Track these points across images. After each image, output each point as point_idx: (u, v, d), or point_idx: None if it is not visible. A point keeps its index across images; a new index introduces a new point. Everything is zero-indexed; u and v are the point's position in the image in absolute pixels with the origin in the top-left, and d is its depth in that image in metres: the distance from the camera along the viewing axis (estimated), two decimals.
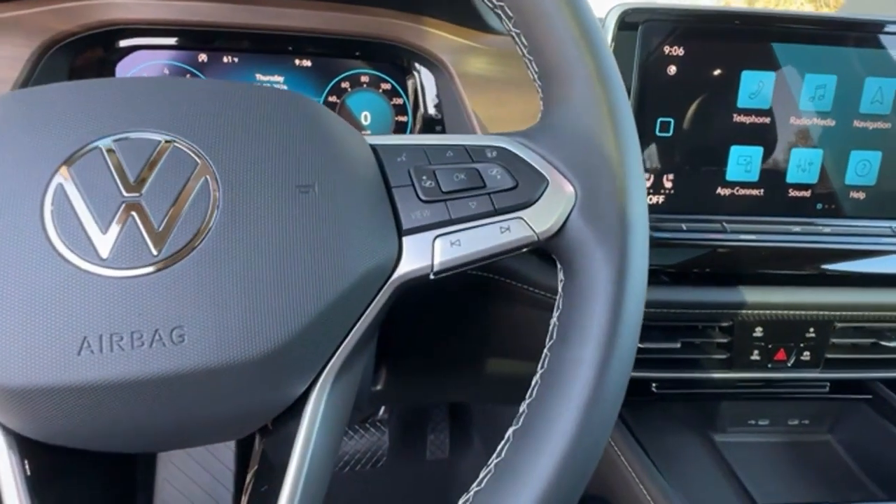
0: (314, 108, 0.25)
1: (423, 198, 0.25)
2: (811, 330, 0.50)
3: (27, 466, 0.21)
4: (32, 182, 0.20)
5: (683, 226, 0.47)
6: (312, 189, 0.23)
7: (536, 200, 0.25)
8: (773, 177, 0.48)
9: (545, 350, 0.25)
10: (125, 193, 0.21)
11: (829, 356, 0.51)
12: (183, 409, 0.21)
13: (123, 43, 0.50)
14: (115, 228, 0.20)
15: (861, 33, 0.46)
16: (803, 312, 0.49)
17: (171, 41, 0.51)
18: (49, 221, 0.20)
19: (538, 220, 0.25)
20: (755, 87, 0.47)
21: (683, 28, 0.45)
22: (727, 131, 0.47)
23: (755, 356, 0.51)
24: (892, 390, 0.57)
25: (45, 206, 0.20)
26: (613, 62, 0.26)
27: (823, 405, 0.58)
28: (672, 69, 0.46)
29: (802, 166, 0.48)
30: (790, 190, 0.49)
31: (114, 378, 0.19)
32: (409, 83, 0.56)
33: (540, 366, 0.25)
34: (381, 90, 0.56)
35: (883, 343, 0.52)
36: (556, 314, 0.26)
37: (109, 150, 0.21)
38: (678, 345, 0.50)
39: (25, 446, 0.21)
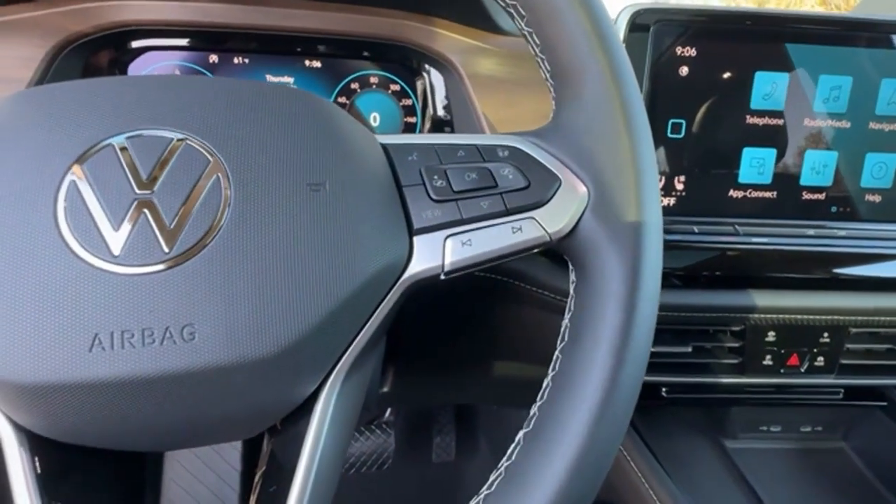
0: (326, 106, 0.25)
1: (434, 197, 0.25)
2: (825, 335, 0.49)
3: (37, 463, 0.21)
4: (46, 179, 0.20)
5: (695, 228, 0.47)
6: (323, 187, 0.22)
7: (549, 200, 0.25)
8: (786, 179, 0.48)
9: (556, 352, 0.25)
10: (137, 191, 0.21)
11: (844, 362, 0.50)
12: (193, 408, 0.21)
13: (136, 44, 0.51)
14: (127, 226, 0.20)
15: (877, 34, 0.46)
16: (817, 317, 0.49)
17: (183, 42, 0.52)
18: (62, 218, 0.20)
19: (550, 221, 0.25)
20: (768, 89, 0.46)
21: (696, 29, 0.45)
22: (740, 133, 0.47)
23: (767, 361, 0.50)
24: None
25: (58, 203, 0.20)
26: (627, 60, 0.25)
27: (837, 412, 0.57)
28: (684, 70, 0.45)
29: (817, 169, 0.48)
30: (804, 193, 0.48)
31: (124, 375, 0.19)
32: (419, 84, 0.56)
33: (551, 368, 0.25)
34: (390, 91, 0.56)
35: None
36: (567, 316, 0.25)
37: (122, 148, 0.21)
38: (689, 349, 0.49)
39: (36, 443, 0.21)
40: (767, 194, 0.48)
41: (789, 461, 0.56)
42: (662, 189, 0.47)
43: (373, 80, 0.55)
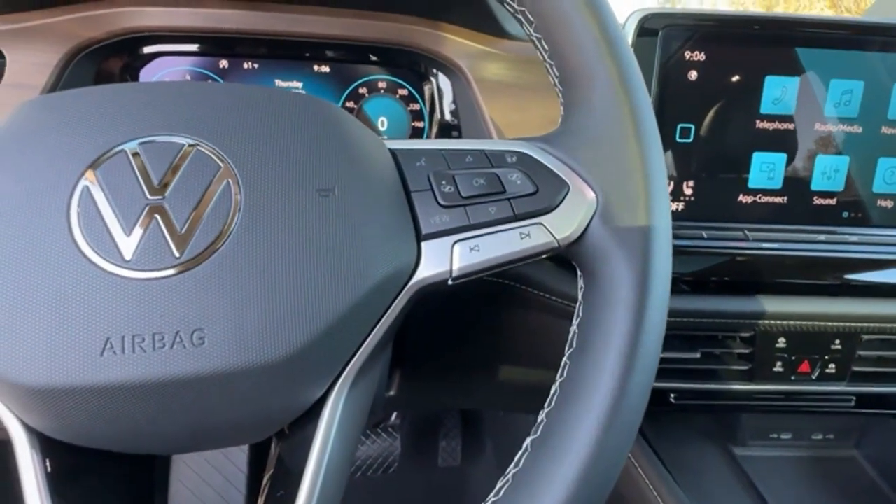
0: (334, 111, 0.25)
1: (442, 202, 0.25)
2: (837, 342, 0.49)
3: (48, 465, 0.21)
4: (60, 184, 0.21)
5: (704, 234, 0.46)
6: (332, 192, 0.23)
7: (557, 206, 0.25)
8: (797, 184, 0.47)
9: (564, 358, 0.25)
10: (149, 196, 0.21)
11: (856, 369, 0.50)
12: (202, 412, 0.21)
13: (147, 49, 0.51)
14: (138, 231, 0.20)
15: (889, 38, 0.45)
16: (829, 324, 0.48)
17: (193, 48, 0.52)
18: (75, 223, 0.20)
19: (559, 226, 0.25)
20: (779, 93, 0.46)
21: (704, 33, 0.45)
22: (749, 138, 0.47)
23: (778, 368, 0.50)
24: None
25: (71, 208, 0.20)
26: (636, 65, 0.25)
27: (849, 419, 0.56)
28: (693, 74, 0.45)
29: (828, 174, 0.47)
30: (815, 198, 0.47)
31: (135, 380, 0.19)
32: (426, 89, 0.56)
33: (559, 375, 0.25)
34: (398, 96, 0.56)
35: None
36: (575, 322, 0.25)
37: (134, 154, 0.21)
38: (698, 355, 0.49)
39: (47, 445, 0.21)
40: (778, 199, 0.47)
41: (800, 469, 0.55)
42: (671, 194, 0.47)
43: (381, 84, 0.55)
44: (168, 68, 0.53)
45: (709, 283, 0.47)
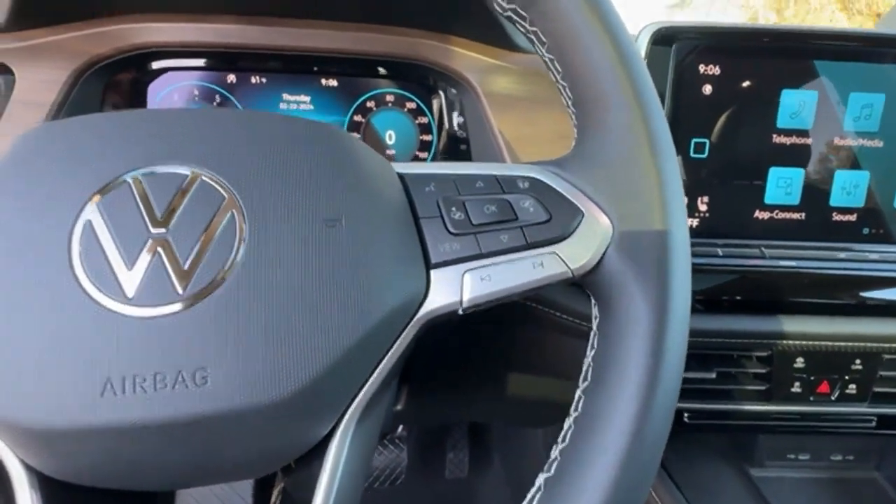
0: (341, 136, 0.25)
1: (452, 230, 0.24)
2: (857, 362, 0.47)
3: None
4: (61, 217, 0.20)
5: (719, 251, 0.45)
6: (339, 223, 0.22)
7: (571, 234, 0.24)
8: (815, 200, 0.46)
9: (578, 391, 0.24)
10: (152, 229, 0.20)
11: (877, 390, 0.48)
12: (204, 450, 0.20)
13: (155, 65, 0.51)
14: (141, 265, 0.20)
15: None
16: (849, 343, 0.47)
17: (201, 62, 0.52)
18: (76, 257, 0.20)
19: (573, 256, 0.24)
20: (796, 107, 0.45)
21: (718, 46, 0.44)
22: (765, 152, 0.45)
23: (796, 388, 0.48)
24: None
25: (72, 242, 0.20)
26: (653, 89, 0.25)
27: (869, 440, 0.55)
28: (707, 88, 0.44)
29: (847, 189, 0.46)
30: (834, 214, 0.46)
31: (136, 420, 0.19)
32: (435, 102, 0.55)
33: (573, 409, 0.24)
34: (406, 109, 0.56)
35: None
36: (590, 353, 0.24)
37: (137, 184, 0.21)
38: (713, 375, 0.48)
39: (46, 484, 0.21)
40: (795, 215, 0.46)
41: (818, 491, 0.53)
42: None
43: (389, 98, 0.55)
44: (176, 83, 0.52)
45: (724, 301, 0.46)
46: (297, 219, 0.21)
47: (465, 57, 0.52)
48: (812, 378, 0.48)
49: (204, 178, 0.21)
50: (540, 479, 0.23)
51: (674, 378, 0.22)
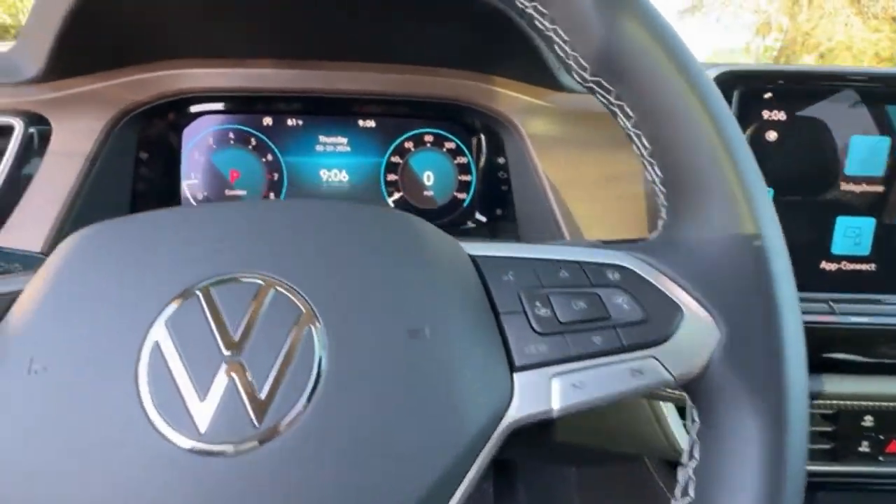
0: (413, 225, 0.23)
1: (537, 329, 0.22)
2: None
3: None
4: (127, 340, 0.18)
5: None
6: (423, 332, 0.20)
7: (671, 336, 0.22)
8: (887, 251, 0.43)
9: None
10: (225, 351, 0.19)
11: None
12: None
13: (191, 109, 0.50)
14: (214, 395, 0.18)
15: None
16: None
17: (238, 106, 0.51)
18: (144, 387, 0.18)
19: (674, 361, 0.22)
20: (866, 153, 0.42)
21: (784, 91, 0.41)
22: (832, 201, 0.43)
23: (864, 448, 0.45)
24: None
25: (139, 369, 0.18)
26: (760, 177, 0.22)
27: None
28: (772, 135, 0.42)
29: None
30: None
31: None
32: (474, 142, 0.54)
33: None
34: (444, 149, 0.54)
35: None
36: (689, 465, 0.22)
37: (207, 297, 0.19)
38: None
39: None
40: (865, 266, 0.43)
41: None
42: None
43: (427, 138, 0.53)
44: (212, 126, 0.51)
45: None
46: (380, 332, 0.20)
47: (507, 97, 0.50)
48: (881, 437, 0.45)
49: (278, 287, 0.20)
50: None
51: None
